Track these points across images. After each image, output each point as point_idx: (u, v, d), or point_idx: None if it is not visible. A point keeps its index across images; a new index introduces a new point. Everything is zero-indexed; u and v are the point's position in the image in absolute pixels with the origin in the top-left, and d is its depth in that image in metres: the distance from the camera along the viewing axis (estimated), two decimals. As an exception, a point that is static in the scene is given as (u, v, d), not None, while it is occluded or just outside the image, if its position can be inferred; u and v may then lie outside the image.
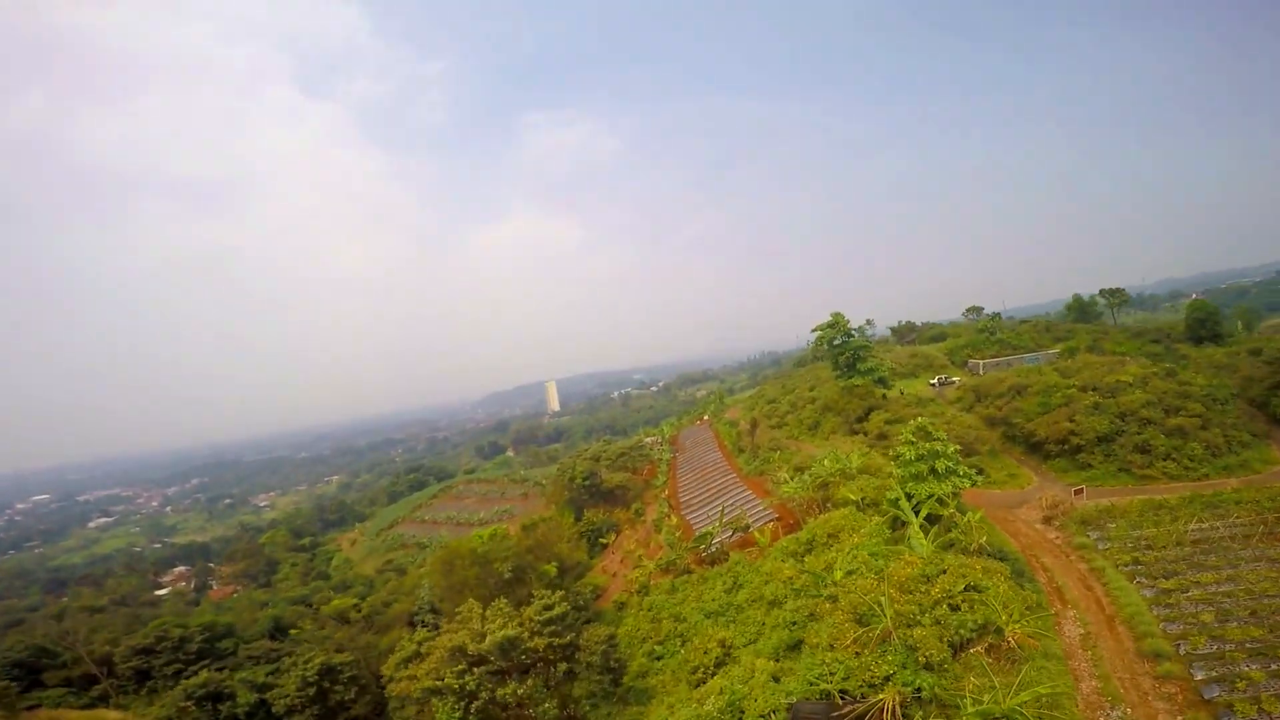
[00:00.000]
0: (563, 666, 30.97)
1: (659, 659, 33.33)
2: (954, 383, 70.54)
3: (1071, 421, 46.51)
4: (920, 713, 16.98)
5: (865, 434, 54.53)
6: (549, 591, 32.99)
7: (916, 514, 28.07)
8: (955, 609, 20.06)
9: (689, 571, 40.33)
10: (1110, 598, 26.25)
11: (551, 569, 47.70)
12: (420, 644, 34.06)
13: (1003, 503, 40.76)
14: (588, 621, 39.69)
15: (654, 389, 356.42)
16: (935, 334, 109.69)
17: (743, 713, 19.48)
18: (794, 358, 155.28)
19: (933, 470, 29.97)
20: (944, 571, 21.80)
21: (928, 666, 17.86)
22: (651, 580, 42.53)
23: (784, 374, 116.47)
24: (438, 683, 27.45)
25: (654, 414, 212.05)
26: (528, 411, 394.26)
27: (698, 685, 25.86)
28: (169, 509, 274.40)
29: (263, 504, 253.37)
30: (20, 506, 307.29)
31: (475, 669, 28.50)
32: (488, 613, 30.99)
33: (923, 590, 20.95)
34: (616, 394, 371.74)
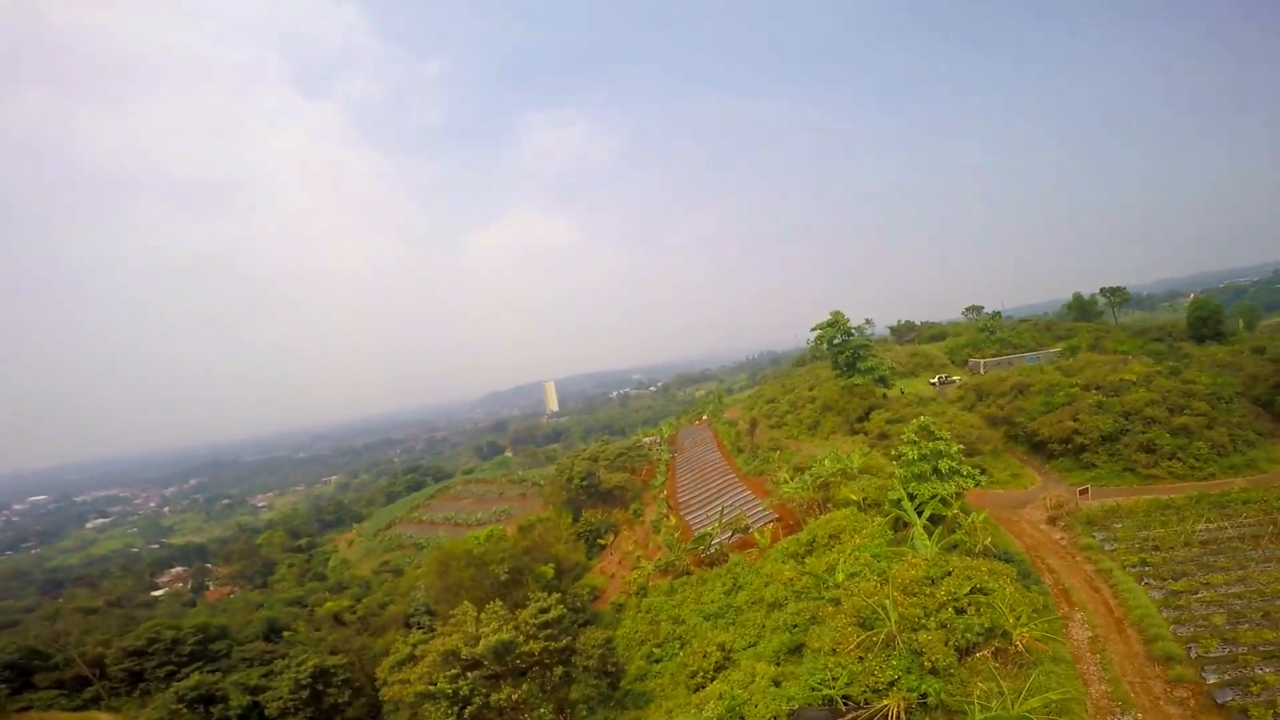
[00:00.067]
0: (559, 670, 30.39)
1: (657, 662, 32.83)
2: (954, 382, 70.08)
3: (1075, 420, 45.99)
4: (926, 719, 16.49)
5: (866, 433, 54.01)
6: (545, 594, 32.39)
7: (920, 515, 27.55)
8: (961, 612, 19.58)
9: (688, 573, 39.85)
10: (1118, 600, 25.71)
11: (549, 570, 47.17)
12: (415, 646, 33.51)
13: (1006, 503, 40.22)
14: (585, 624, 39.14)
15: (652, 389, 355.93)
16: (934, 333, 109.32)
17: (743, 718, 18.94)
18: (793, 357, 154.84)
19: (936, 470, 29.45)
20: (949, 573, 21.31)
21: (933, 671, 17.39)
22: (650, 582, 42.04)
23: (783, 373, 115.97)
24: (430, 687, 26.85)
25: (652, 414, 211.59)
26: (526, 412, 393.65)
27: (697, 690, 25.34)
28: (167, 509, 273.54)
29: (260, 504, 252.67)
30: (18, 507, 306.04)
31: (469, 673, 27.91)
32: (482, 616, 30.40)
33: (927, 593, 20.46)
34: (615, 394, 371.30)
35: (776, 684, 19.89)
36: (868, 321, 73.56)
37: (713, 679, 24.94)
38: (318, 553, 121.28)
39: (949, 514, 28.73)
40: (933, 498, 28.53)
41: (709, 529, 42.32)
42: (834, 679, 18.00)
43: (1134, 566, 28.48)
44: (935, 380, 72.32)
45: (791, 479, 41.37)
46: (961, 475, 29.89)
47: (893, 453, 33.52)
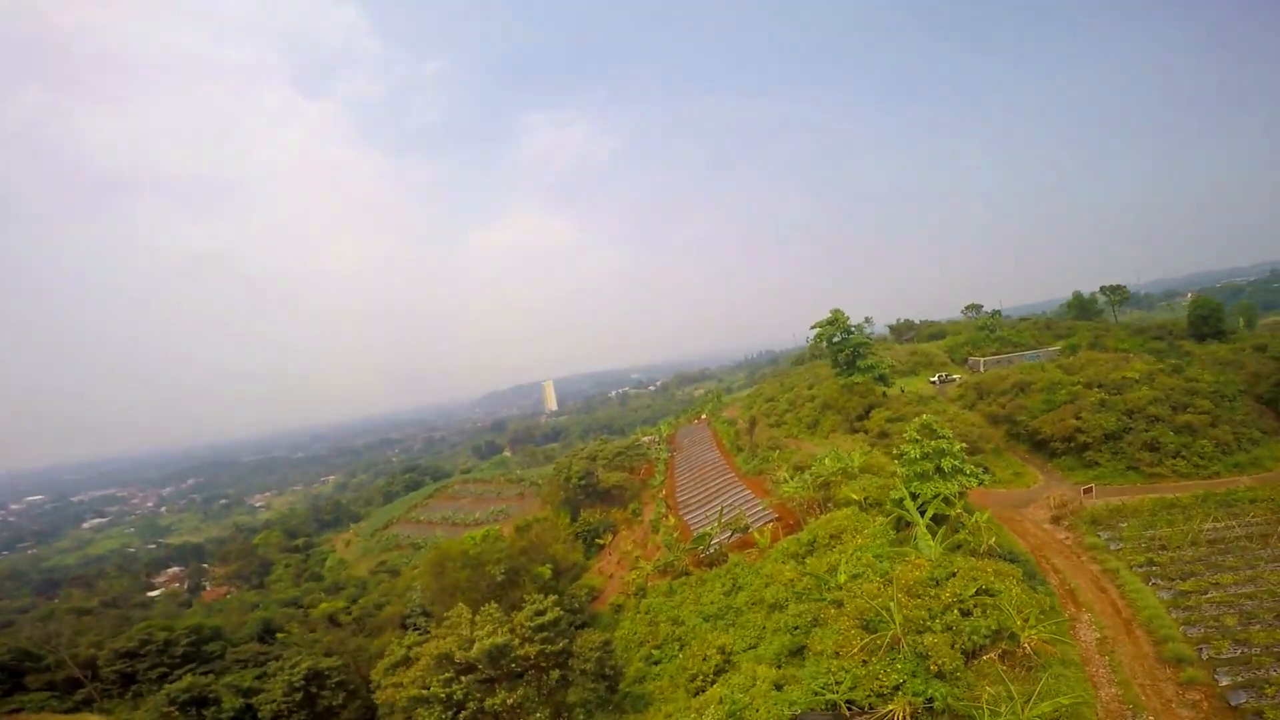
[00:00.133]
0: (555, 674, 29.83)
1: (656, 664, 32.30)
2: (955, 380, 69.63)
3: (1077, 419, 45.51)
4: (933, 725, 16.01)
5: (866, 432, 53.51)
6: (542, 595, 31.84)
7: (922, 514, 27.08)
8: (967, 614, 19.11)
9: (687, 573, 39.35)
10: (1126, 600, 25.23)
11: (546, 571, 46.57)
12: (409, 649, 32.94)
13: (1009, 502, 39.74)
14: (582, 625, 38.60)
15: (651, 388, 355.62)
16: (934, 332, 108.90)
17: (743, 724, 18.45)
18: (792, 356, 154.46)
19: (938, 469, 28.97)
20: (954, 574, 20.85)
21: (939, 675, 16.92)
22: (649, 582, 41.53)
23: (782, 372, 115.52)
24: (423, 691, 26.30)
25: (651, 413, 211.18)
26: (525, 411, 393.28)
27: (697, 693, 24.83)
28: (164, 509, 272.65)
29: (258, 504, 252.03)
30: (14, 507, 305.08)
31: (463, 677, 27.36)
32: (476, 618, 29.83)
33: (932, 594, 19.98)
34: (614, 393, 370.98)
35: (778, 688, 19.41)
36: (867, 320, 73.00)
37: (713, 682, 24.46)
38: (315, 553, 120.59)
39: (952, 514, 28.26)
40: (935, 497, 28.05)
41: (708, 529, 41.84)
42: (837, 683, 17.52)
43: (1141, 566, 27.99)
44: (935, 379, 71.86)
45: (791, 478, 40.91)
46: (964, 474, 29.43)
47: (894, 451, 33.05)
